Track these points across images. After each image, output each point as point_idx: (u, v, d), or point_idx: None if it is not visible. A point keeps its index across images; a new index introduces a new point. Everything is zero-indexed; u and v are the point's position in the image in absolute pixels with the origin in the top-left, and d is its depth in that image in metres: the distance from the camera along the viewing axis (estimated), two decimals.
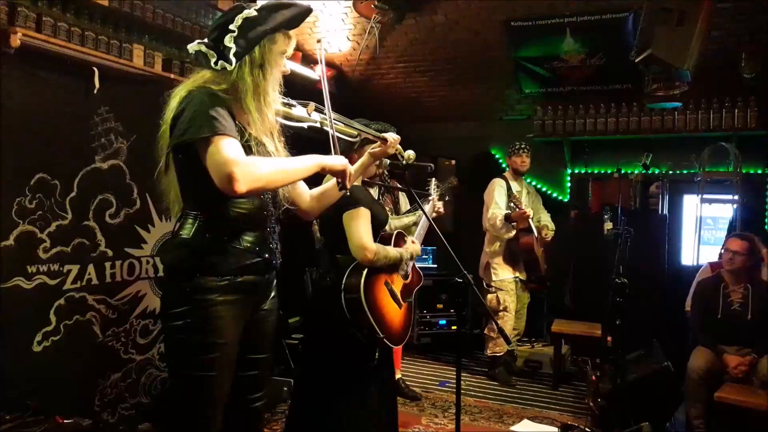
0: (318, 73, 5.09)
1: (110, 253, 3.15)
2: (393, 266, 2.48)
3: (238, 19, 1.60)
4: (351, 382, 2.39)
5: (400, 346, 4.24)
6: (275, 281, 1.84)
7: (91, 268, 3.05)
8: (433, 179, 3.49)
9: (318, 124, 1.81)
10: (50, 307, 2.86)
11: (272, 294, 1.82)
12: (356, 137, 1.98)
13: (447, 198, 3.69)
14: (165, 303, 1.68)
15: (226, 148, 1.48)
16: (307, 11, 1.72)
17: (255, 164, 1.51)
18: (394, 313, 2.43)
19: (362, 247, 2.33)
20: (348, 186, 1.75)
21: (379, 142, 2.14)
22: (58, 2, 2.87)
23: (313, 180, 2.01)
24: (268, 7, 1.63)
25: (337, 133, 1.85)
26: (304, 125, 1.82)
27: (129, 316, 3.25)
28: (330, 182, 1.99)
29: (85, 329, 3.03)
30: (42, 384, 2.78)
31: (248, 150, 1.60)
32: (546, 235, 4.58)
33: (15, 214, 2.70)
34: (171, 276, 1.68)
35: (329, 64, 5.27)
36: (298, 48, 4.94)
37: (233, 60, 1.59)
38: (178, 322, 1.61)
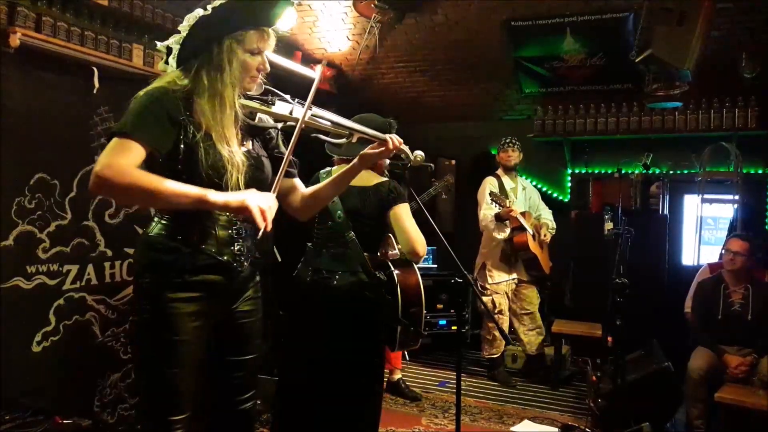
0: (318, 72, 5.08)
1: (110, 253, 3.15)
2: None
3: (190, 19, 1.57)
4: (372, 381, 2.41)
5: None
6: (252, 283, 1.82)
7: (90, 268, 3.05)
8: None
9: (299, 124, 1.68)
10: (50, 307, 2.85)
11: (248, 296, 1.80)
12: (347, 138, 1.84)
13: (444, 196, 3.67)
14: (133, 299, 1.74)
15: (113, 150, 1.49)
16: (282, 3, 1.64)
17: (121, 175, 1.45)
18: None
19: (417, 242, 2.29)
20: (262, 228, 1.50)
21: (376, 143, 1.86)
22: (57, 2, 2.86)
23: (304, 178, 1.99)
24: (226, 5, 1.55)
25: (321, 135, 1.76)
26: (278, 125, 1.76)
27: (128, 316, 3.23)
28: (324, 182, 1.92)
29: (85, 329, 3.02)
30: (42, 384, 2.77)
31: (195, 147, 1.58)
32: (545, 236, 4.55)
33: (14, 214, 2.70)
34: (135, 273, 1.73)
35: (329, 64, 5.26)
36: (297, 48, 4.96)
37: (172, 63, 1.60)
38: (137, 318, 1.66)
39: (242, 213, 1.52)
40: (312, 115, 1.70)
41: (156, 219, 1.69)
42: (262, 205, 1.51)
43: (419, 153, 2.00)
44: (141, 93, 1.61)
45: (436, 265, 5.44)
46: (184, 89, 1.60)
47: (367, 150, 1.83)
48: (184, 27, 1.57)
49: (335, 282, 2.36)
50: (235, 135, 1.66)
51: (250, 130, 1.76)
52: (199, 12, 1.55)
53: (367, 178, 2.44)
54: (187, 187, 1.50)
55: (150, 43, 3.31)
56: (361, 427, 2.40)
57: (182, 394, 1.64)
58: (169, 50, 1.63)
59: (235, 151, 1.64)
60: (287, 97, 1.72)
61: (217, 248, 1.67)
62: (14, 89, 2.68)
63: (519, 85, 5.16)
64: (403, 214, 2.32)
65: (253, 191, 1.55)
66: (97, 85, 2.98)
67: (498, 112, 5.67)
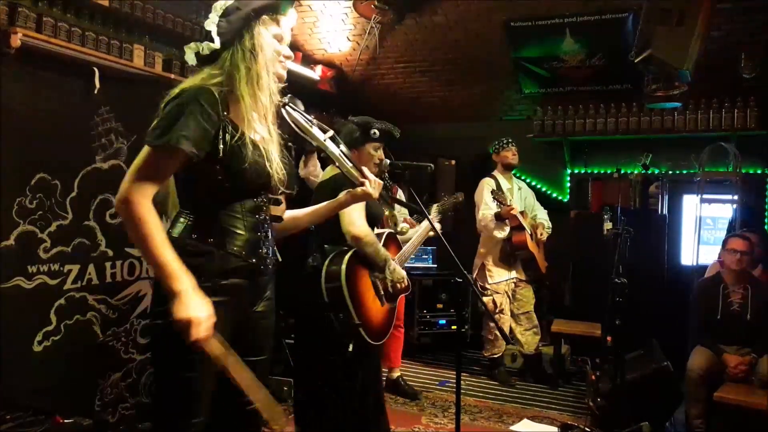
0: (318, 73, 5.10)
1: (111, 253, 3.16)
2: (376, 264, 2.47)
3: (217, 8, 1.63)
4: (334, 370, 2.44)
5: (401, 345, 4.27)
6: (271, 284, 1.82)
7: (91, 267, 3.05)
8: (435, 205, 3.40)
9: (327, 153, 1.79)
10: (51, 307, 2.86)
11: (267, 296, 1.80)
12: (358, 183, 1.88)
13: (450, 213, 3.69)
14: (153, 302, 1.69)
15: (145, 165, 1.48)
16: None
17: (139, 206, 1.45)
18: (375, 308, 2.44)
19: (351, 224, 2.36)
20: (189, 341, 1.46)
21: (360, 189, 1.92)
22: (58, 2, 2.87)
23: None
24: None
25: (344, 172, 1.83)
26: (313, 142, 1.81)
27: (129, 316, 3.25)
28: (305, 210, 1.98)
29: (86, 329, 3.03)
30: (42, 384, 2.78)
31: (236, 148, 1.59)
32: (541, 235, 4.54)
33: (15, 214, 2.70)
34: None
35: (329, 65, 5.27)
36: (298, 48, 4.96)
37: (216, 39, 1.60)
38: (162, 321, 1.59)
39: (180, 322, 1.45)
40: (342, 151, 1.80)
41: (182, 220, 1.64)
42: (200, 322, 1.45)
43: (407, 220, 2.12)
44: (175, 91, 1.58)
45: (435, 265, 5.45)
46: (220, 85, 1.60)
47: (357, 192, 1.90)
48: (214, 14, 1.62)
49: (305, 273, 2.46)
50: (268, 118, 1.69)
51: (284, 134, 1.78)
52: (225, 3, 1.62)
53: (325, 173, 2.53)
54: (171, 260, 1.46)
55: (151, 43, 3.32)
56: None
57: (203, 398, 1.63)
58: (203, 37, 1.64)
59: (273, 133, 1.67)
60: (315, 121, 1.80)
61: (247, 251, 1.66)
62: (15, 89, 2.69)
63: (519, 86, 5.17)
64: None
65: (208, 308, 1.49)
66: (98, 85, 2.99)
67: (498, 112, 5.68)
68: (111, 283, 3.16)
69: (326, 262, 2.38)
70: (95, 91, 2.99)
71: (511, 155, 4.54)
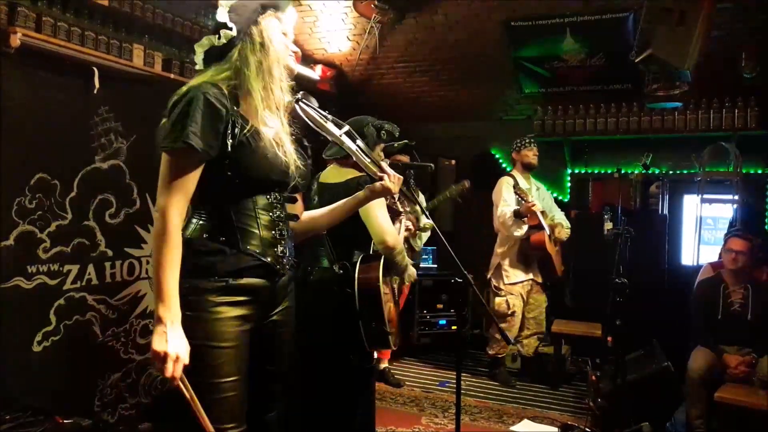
0: (318, 72, 5.10)
1: (110, 253, 3.15)
2: (398, 269, 2.45)
3: (224, 5, 1.62)
4: (352, 380, 2.38)
5: None
6: (291, 290, 1.77)
7: (91, 268, 3.05)
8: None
9: (343, 148, 1.76)
10: (50, 307, 2.86)
11: (286, 304, 1.75)
12: (377, 179, 1.85)
13: (459, 200, 3.65)
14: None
15: (170, 176, 1.48)
16: None
17: (169, 218, 1.46)
18: (394, 312, 2.42)
19: (385, 232, 2.30)
20: (163, 376, 1.47)
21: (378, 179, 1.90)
22: (58, 2, 2.87)
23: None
24: None
25: (362, 167, 1.81)
26: (327, 135, 1.79)
27: (129, 316, 3.25)
28: (323, 209, 1.95)
29: (85, 329, 3.03)
30: (42, 384, 2.78)
31: (247, 144, 1.56)
32: (560, 233, 4.46)
33: (15, 214, 2.70)
34: None
35: (329, 64, 5.26)
36: (298, 48, 4.96)
37: (232, 26, 1.58)
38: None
39: (155, 354, 1.42)
40: (358, 146, 1.78)
41: (194, 219, 1.61)
42: (175, 358, 1.42)
43: (427, 222, 2.08)
44: (182, 90, 1.55)
45: (435, 265, 5.44)
46: (228, 80, 1.58)
47: (376, 187, 1.86)
48: (225, 6, 1.60)
49: (311, 277, 2.36)
50: (281, 110, 1.67)
51: (300, 130, 1.76)
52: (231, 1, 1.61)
53: (339, 174, 2.45)
54: (170, 286, 1.44)
55: (150, 43, 3.32)
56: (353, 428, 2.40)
57: (234, 401, 1.57)
58: (216, 29, 1.61)
59: (284, 124, 1.65)
60: (331, 117, 1.79)
61: (261, 249, 1.62)
62: (14, 89, 2.68)
63: (519, 85, 5.16)
64: (370, 206, 2.26)
65: (185, 346, 1.45)
66: (97, 85, 2.99)
67: (498, 112, 5.67)
68: (110, 283, 3.16)
69: (357, 269, 2.29)
70: (95, 91, 2.99)
71: (532, 155, 4.47)
